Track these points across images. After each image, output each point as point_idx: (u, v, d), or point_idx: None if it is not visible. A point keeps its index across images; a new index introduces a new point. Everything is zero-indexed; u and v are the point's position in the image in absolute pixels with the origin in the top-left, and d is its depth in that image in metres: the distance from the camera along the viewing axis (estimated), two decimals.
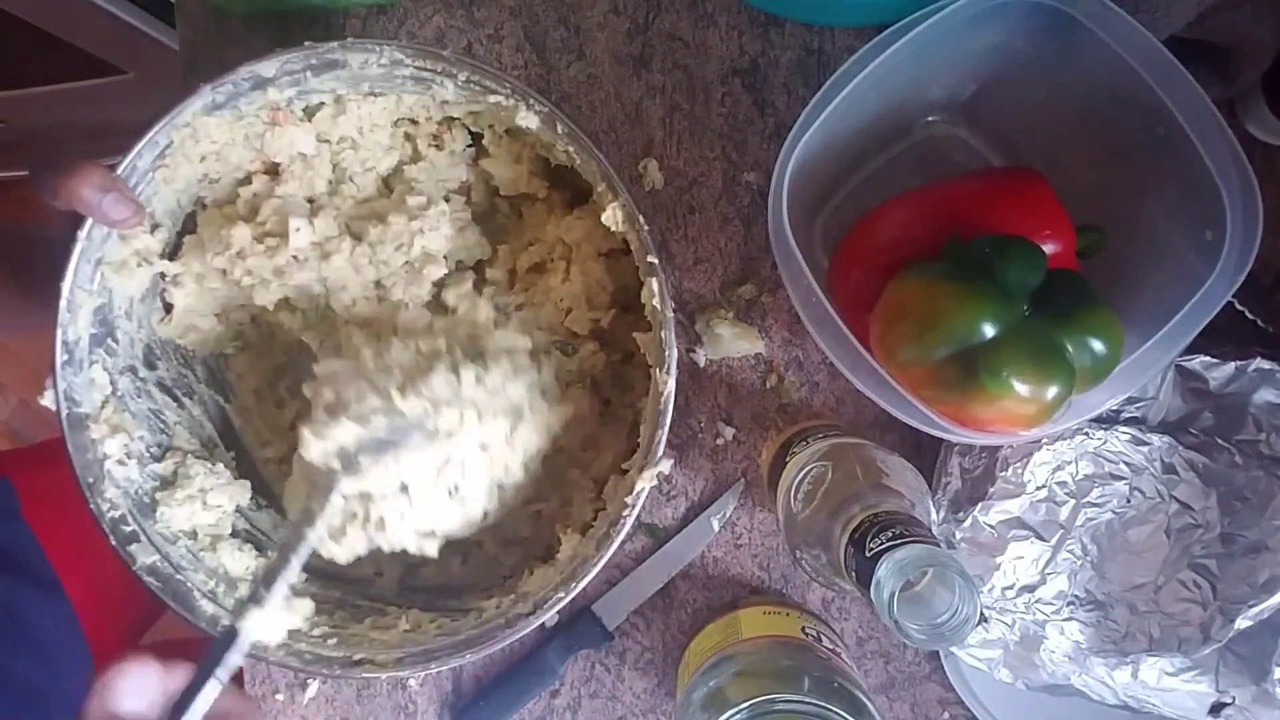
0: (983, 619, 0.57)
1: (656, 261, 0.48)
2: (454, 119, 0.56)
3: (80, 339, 0.48)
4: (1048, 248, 0.45)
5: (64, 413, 0.48)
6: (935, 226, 0.48)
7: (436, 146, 0.57)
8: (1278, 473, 0.54)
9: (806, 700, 0.48)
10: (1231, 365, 0.54)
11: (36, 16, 1.09)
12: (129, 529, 0.49)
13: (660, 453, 0.49)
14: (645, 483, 0.49)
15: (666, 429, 0.49)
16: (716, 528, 0.62)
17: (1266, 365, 0.54)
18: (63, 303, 0.47)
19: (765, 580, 0.63)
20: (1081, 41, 0.45)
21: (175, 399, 0.56)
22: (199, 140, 0.50)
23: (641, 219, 0.48)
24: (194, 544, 0.52)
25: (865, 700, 0.50)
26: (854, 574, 0.40)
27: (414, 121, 0.57)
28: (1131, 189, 0.50)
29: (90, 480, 0.48)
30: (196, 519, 0.52)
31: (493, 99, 0.49)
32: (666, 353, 0.48)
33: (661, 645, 0.63)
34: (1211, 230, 0.45)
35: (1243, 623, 0.52)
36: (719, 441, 0.62)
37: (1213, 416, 0.56)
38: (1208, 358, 0.54)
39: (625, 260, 0.56)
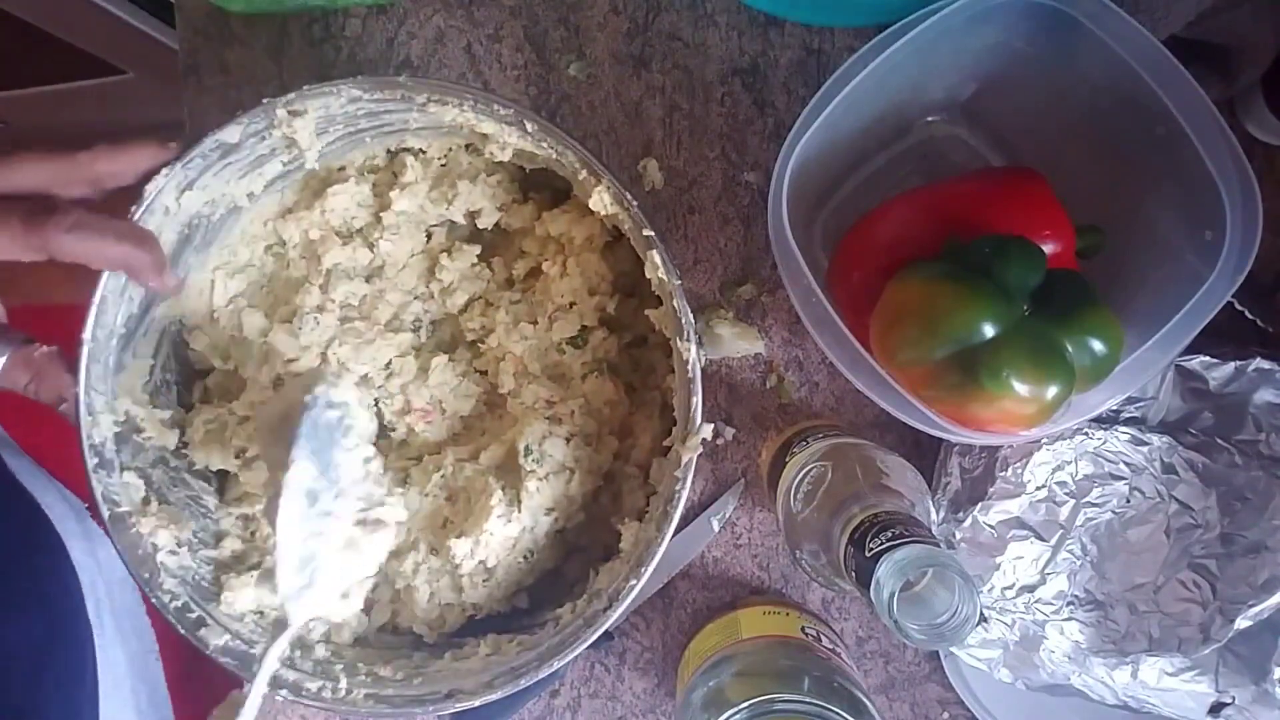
0: (982, 619, 0.57)
1: (654, 233, 0.47)
2: (421, 152, 0.56)
3: (106, 440, 0.48)
4: (1047, 248, 0.45)
5: (105, 514, 0.47)
6: (935, 226, 0.48)
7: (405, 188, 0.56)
8: (1277, 473, 0.54)
9: (806, 700, 0.48)
10: (1231, 365, 0.54)
11: (36, 16, 1.09)
12: (194, 615, 0.49)
13: (699, 420, 0.48)
14: (690, 452, 0.48)
15: (700, 395, 0.48)
16: (716, 528, 0.62)
17: (1266, 365, 0.53)
18: (82, 409, 0.46)
19: (765, 580, 0.63)
20: (1081, 41, 0.45)
21: (209, 481, 0.56)
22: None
23: (629, 195, 0.48)
24: (261, 619, 0.52)
25: (865, 700, 0.50)
26: (854, 574, 0.40)
27: (375, 170, 0.57)
28: (1131, 189, 0.50)
29: (146, 575, 0.48)
30: (262, 600, 0.52)
31: (454, 115, 0.49)
32: (682, 320, 0.47)
33: (661, 645, 0.63)
34: (1211, 230, 0.45)
35: (1242, 623, 0.52)
36: (719, 441, 0.62)
37: (1212, 416, 0.56)
38: (1207, 358, 0.54)
39: (619, 248, 0.56)
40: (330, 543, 0.47)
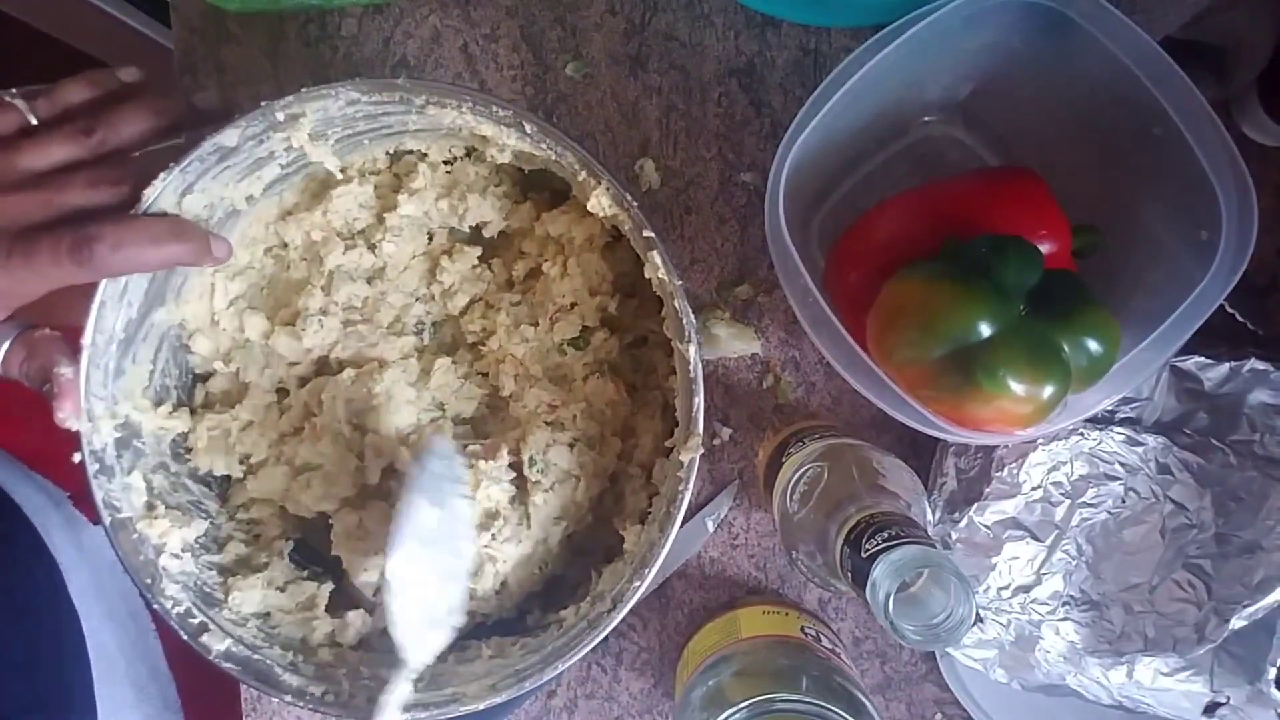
0: (978, 619, 0.57)
1: (654, 234, 0.47)
2: (423, 155, 0.56)
3: (106, 445, 0.48)
4: (1044, 248, 0.45)
5: (106, 520, 0.47)
6: (932, 226, 0.48)
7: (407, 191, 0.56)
8: (1272, 473, 0.54)
9: (805, 700, 0.48)
10: (1226, 366, 0.54)
11: (35, 16, 1.09)
12: (196, 620, 0.48)
13: (701, 422, 0.48)
14: (692, 453, 0.48)
15: (702, 396, 0.48)
16: (711, 528, 0.62)
17: (1261, 366, 0.54)
18: (82, 414, 0.46)
19: (762, 580, 0.63)
20: (1077, 42, 0.46)
21: (209, 486, 0.55)
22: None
23: (629, 196, 0.47)
24: (265, 622, 0.52)
25: (864, 699, 0.50)
26: (850, 575, 0.40)
27: (376, 172, 0.56)
28: (1128, 189, 0.50)
29: (148, 581, 0.48)
30: (269, 602, 0.52)
31: (453, 117, 0.49)
32: (684, 321, 0.47)
33: (658, 645, 0.63)
34: (1207, 231, 0.45)
35: (1237, 623, 0.52)
36: (715, 442, 0.62)
37: (1207, 417, 0.56)
38: (1202, 358, 0.54)
39: (619, 248, 0.56)
40: (450, 585, 0.49)
